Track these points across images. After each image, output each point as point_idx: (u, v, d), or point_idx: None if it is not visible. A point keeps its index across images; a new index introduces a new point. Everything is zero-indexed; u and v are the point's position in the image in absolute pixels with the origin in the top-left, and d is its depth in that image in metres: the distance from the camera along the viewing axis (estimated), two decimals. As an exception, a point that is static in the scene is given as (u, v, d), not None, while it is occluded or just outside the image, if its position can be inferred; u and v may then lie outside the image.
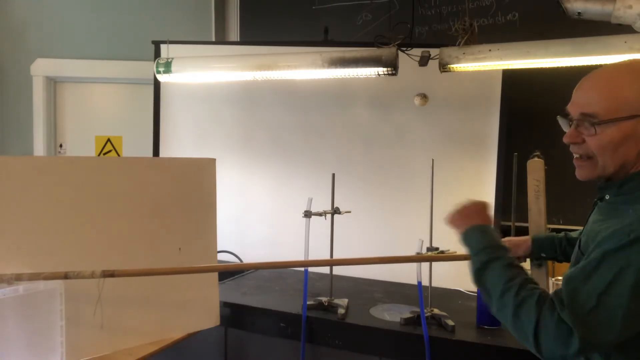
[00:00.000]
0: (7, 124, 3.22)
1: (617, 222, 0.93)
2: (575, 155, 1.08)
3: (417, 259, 1.55)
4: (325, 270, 2.00)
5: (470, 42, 1.94)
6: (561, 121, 1.12)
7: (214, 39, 3.04)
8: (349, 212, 1.92)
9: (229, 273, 2.37)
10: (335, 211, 1.90)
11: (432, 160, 1.76)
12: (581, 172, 1.08)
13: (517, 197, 1.75)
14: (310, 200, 1.82)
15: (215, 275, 1.64)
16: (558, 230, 1.51)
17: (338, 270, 2.07)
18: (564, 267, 1.19)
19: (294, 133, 2.58)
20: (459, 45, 1.95)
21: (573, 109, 1.07)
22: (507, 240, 1.44)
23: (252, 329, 1.89)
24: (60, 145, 3.26)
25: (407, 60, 2.10)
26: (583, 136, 1.04)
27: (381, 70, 2.02)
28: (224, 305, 1.86)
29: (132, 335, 1.42)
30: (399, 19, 2.26)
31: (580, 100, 1.05)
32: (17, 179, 1.21)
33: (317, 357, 1.79)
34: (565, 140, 1.07)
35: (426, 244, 1.67)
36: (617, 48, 1.77)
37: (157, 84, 2.66)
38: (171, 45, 2.41)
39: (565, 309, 0.87)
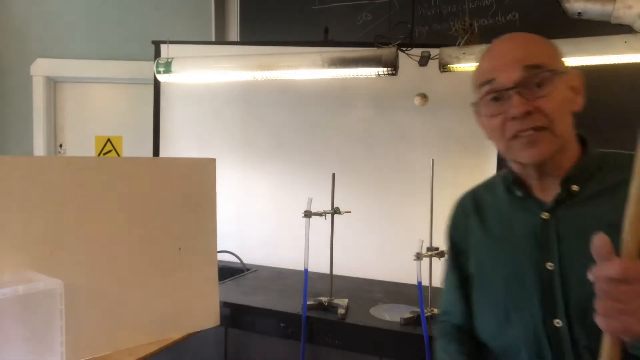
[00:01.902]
0: (7, 124, 3.22)
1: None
2: (522, 131, 0.85)
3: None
4: (325, 270, 2.00)
5: (470, 42, 1.94)
6: (488, 105, 0.90)
7: (214, 39, 3.04)
8: (349, 212, 1.92)
9: (229, 273, 2.37)
10: (335, 211, 1.90)
11: (432, 160, 1.76)
12: (542, 147, 0.85)
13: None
14: (310, 200, 1.82)
15: (215, 275, 1.64)
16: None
17: (338, 270, 2.07)
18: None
19: (294, 133, 2.58)
20: (459, 45, 1.95)
21: (507, 71, 0.86)
22: None
23: (252, 329, 1.89)
24: (60, 145, 3.26)
25: (407, 60, 2.10)
26: (533, 103, 0.84)
27: (381, 70, 2.02)
28: (224, 305, 1.86)
29: (132, 335, 1.42)
30: (399, 19, 2.26)
31: (517, 55, 0.87)
32: (17, 179, 1.21)
33: (317, 357, 1.79)
34: (516, 111, 0.84)
35: (426, 244, 1.67)
36: (617, 48, 1.77)
37: (157, 84, 2.66)
38: (171, 45, 2.41)
39: None
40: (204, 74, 2.29)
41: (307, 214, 1.81)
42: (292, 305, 1.88)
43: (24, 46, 3.16)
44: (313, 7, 2.89)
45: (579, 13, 1.73)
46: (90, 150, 3.22)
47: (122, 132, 3.23)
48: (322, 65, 2.05)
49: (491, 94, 0.89)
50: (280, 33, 2.91)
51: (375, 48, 2.01)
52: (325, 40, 2.41)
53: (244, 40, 3.05)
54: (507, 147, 0.90)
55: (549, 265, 0.88)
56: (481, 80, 0.91)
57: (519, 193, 0.95)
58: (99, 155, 3.20)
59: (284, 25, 2.95)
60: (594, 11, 1.71)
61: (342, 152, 2.49)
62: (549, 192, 0.92)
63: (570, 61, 1.87)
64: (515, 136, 0.86)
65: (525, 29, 2.57)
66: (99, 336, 1.34)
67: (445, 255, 1.13)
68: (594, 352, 0.80)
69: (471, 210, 1.05)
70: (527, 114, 0.84)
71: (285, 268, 2.49)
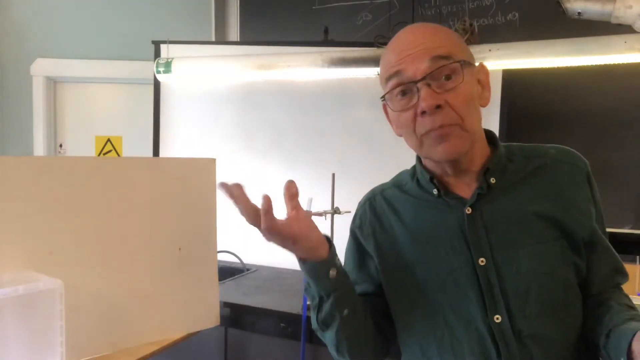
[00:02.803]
0: (7, 124, 3.22)
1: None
2: (434, 128, 0.82)
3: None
4: (325, 270, 2.00)
5: (470, 42, 1.94)
6: (396, 99, 0.86)
7: (214, 39, 3.04)
8: (349, 212, 1.92)
9: (229, 273, 2.37)
10: (335, 211, 1.90)
11: (432, 160, 1.76)
12: (455, 143, 0.83)
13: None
14: (310, 200, 1.82)
15: (215, 275, 1.64)
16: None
17: (338, 270, 2.07)
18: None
19: (294, 133, 2.58)
20: (459, 45, 1.95)
21: (414, 62, 0.82)
22: None
23: (252, 329, 1.89)
24: (60, 145, 3.26)
25: (407, 60, 2.10)
26: (442, 96, 0.81)
27: (381, 70, 2.02)
28: (224, 305, 1.86)
29: (132, 335, 1.41)
30: (399, 19, 2.27)
31: (424, 45, 0.82)
32: (17, 179, 1.21)
33: (317, 357, 1.79)
34: (425, 105, 0.80)
35: (426, 244, 1.67)
36: (617, 48, 1.77)
37: (157, 84, 2.66)
38: (171, 45, 2.41)
39: None
40: (204, 73, 2.29)
41: (307, 214, 1.81)
42: (292, 305, 1.88)
43: (24, 46, 3.16)
44: (313, 7, 2.89)
45: (579, 13, 1.73)
46: (90, 150, 3.22)
47: (122, 132, 3.24)
48: (322, 65, 2.05)
49: (398, 87, 0.85)
50: (280, 33, 2.91)
51: (375, 48, 2.01)
52: (325, 40, 2.42)
53: (244, 40, 3.05)
54: (419, 143, 0.87)
55: (481, 261, 0.86)
56: (388, 73, 0.86)
57: (435, 191, 0.92)
58: (99, 155, 3.20)
59: (284, 25, 2.95)
60: (593, 11, 1.71)
61: (342, 152, 2.49)
62: (465, 187, 0.91)
63: (570, 61, 1.87)
64: (427, 132, 0.84)
65: (526, 29, 2.59)
66: (99, 336, 1.34)
67: (348, 248, 1.09)
68: (537, 338, 0.83)
69: (384, 212, 0.99)
70: (438, 107, 0.81)
71: (285, 268, 2.49)
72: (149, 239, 1.45)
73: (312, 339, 1.78)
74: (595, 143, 2.22)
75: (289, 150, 2.59)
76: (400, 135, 0.93)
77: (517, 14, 2.47)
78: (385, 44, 2.07)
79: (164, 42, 2.45)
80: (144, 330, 1.44)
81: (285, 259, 2.62)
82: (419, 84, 0.82)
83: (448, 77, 0.82)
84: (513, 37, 2.17)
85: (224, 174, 2.21)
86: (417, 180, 0.97)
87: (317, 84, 2.38)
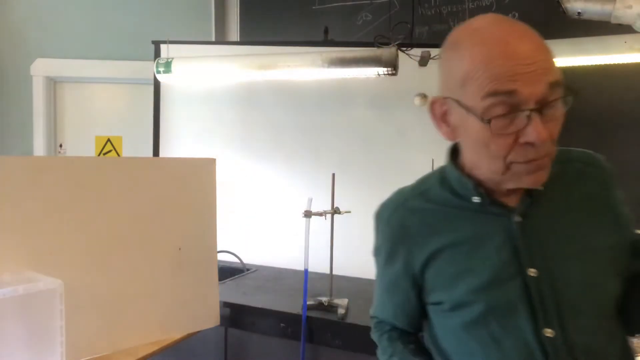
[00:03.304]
0: (7, 124, 3.22)
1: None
2: (535, 159, 0.76)
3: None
4: (325, 270, 2.00)
5: (470, 42, 1.94)
6: (495, 118, 0.74)
7: (214, 39, 3.04)
8: (349, 212, 1.92)
9: (229, 273, 2.37)
10: (335, 211, 1.90)
11: (432, 160, 1.77)
12: (546, 173, 0.79)
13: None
14: (310, 200, 1.82)
15: (215, 275, 1.64)
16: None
17: (338, 270, 2.07)
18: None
19: (294, 133, 2.58)
20: (459, 45, 1.94)
21: (533, 84, 0.72)
22: None
23: (252, 329, 1.89)
24: (60, 145, 3.26)
25: (407, 60, 2.10)
26: (548, 127, 0.74)
27: (381, 70, 2.02)
28: (224, 305, 1.86)
29: (132, 335, 1.42)
30: (399, 19, 2.26)
31: (542, 64, 0.72)
32: (17, 179, 1.21)
33: (317, 357, 1.79)
34: (537, 139, 0.72)
35: (426, 244, 1.67)
36: (617, 48, 1.77)
37: (157, 84, 2.66)
38: (171, 45, 2.41)
39: None
40: (204, 73, 2.29)
41: (307, 214, 1.81)
42: (292, 305, 1.88)
43: (24, 46, 3.16)
44: (313, 7, 2.89)
45: (579, 13, 1.73)
46: (90, 150, 3.22)
47: (122, 132, 3.24)
48: (322, 65, 2.05)
49: (502, 107, 0.73)
50: (280, 33, 2.91)
51: (375, 48, 2.01)
52: (325, 40, 2.41)
53: (244, 40, 3.05)
54: (504, 169, 0.78)
55: (532, 272, 0.81)
56: (495, 87, 0.73)
57: (476, 199, 0.85)
58: (99, 155, 3.20)
59: (284, 25, 2.95)
60: (593, 11, 1.71)
61: (342, 152, 2.49)
62: (509, 197, 0.85)
63: (570, 61, 1.87)
64: (524, 162, 0.76)
65: (525, 29, 2.56)
66: (99, 336, 1.34)
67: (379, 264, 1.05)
68: (590, 352, 0.79)
69: (413, 227, 0.92)
70: (545, 140, 0.73)
71: (285, 268, 2.49)
72: (149, 239, 1.45)
73: (312, 339, 1.78)
74: (595, 143, 2.21)
75: (289, 150, 2.59)
76: (476, 154, 0.83)
77: (517, 14, 2.47)
78: (385, 44, 2.08)
79: (164, 42, 2.45)
80: (144, 330, 1.44)
81: (286, 259, 2.64)
82: (533, 113, 0.72)
83: (554, 104, 0.74)
84: (513, 37, 2.17)
85: (224, 174, 2.22)
86: (450, 188, 0.90)
87: (317, 84, 2.38)
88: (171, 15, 3.09)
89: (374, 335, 1.13)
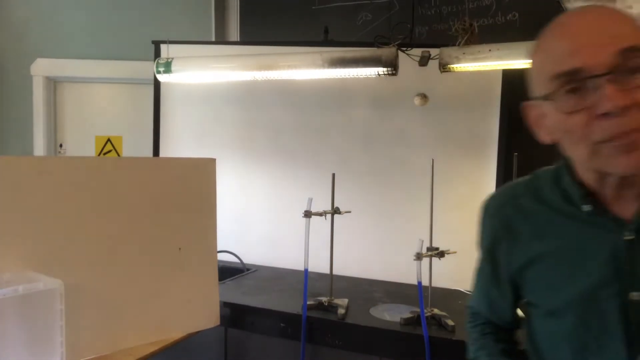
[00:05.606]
0: (7, 124, 3.22)
1: None
2: (619, 134, 0.66)
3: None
4: (325, 270, 2.00)
5: (470, 42, 1.94)
6: (564, 98, 0.69)
7: (214, 39, 3.04)
8: (349, 212, 1.92)
9: (229, 273, 2.37)
10: (335, 211, 1.90)
11: (432, 160, 1.76)
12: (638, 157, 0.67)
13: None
14: (310, 200, 1.82)
15: (216, 275, 1.64)
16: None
17: (338, 270, 2.07)
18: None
19: (294, 133, 2.58)
20: (459, 45, 1.95)
21: (596, 53, 0.66)
22: None
23: (252, 329, 1.89)
24: (60, 145, 3.26)
25: (407, 60, 2.10)
26: (631, 94, 0.65)
27: (381, 70, 2.02)
28: (224, 305, 1.86)
29: (132, 335, 1.41)
30: (399, 19, 2.27)
31: (608, 31, 0.66)
32: (17, 179, 1.21)
33: (317, 357, 1.79)
34: (611, 106, 0.65)
35: (426, 244, 1.67)
36: (617, 48, 1.77)
37: (157, 84, 2.66)
38: (171, 45, 2.41)
39: None
40: (204, 74, 2.29)
41: (307, 214, 1.81)
42: (292, 305, 1.88)
43: (24, 46, 3.16)
44: (313, 7, 2.89)
45: (579, 13, 1.72)
46: (90, 150, 3.22)
47: (122, 132, 3.24)
48: (322, 65, 2.05)
49: (569, 85, 0.68)
50: (280, 33, 2.91)
51: (375, 48, 2.01)
52: (325, 40, 2.41)
53: (244, 40, 3.05)
54: (592, 152, 0.70)
55: (635, 296, 0.74)
56: (556, 70, 0.69)
57: (586, 208, 0.77)
58: (99, 155, 3.20)
59: (284, 25, 2.95)
60: (594, 11, 1.71)
61: (342, 152, 2.49)
62: (625, 207, 0.76)
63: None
64: (607, 139, 0.67)
65: (526, 29, 2.58)
66: (99, 336, 1.34)
67: (480, 260, 1.01)
68: None
69: (518, 226, 0.88)
70: (625, 108, 0.64)
71: (285, 268, 2.49)
72: (149, 239, 1.45)
73: (312, 339, 1.78)
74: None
75: (289, 150, 2.59)
76: (562, 143, 0.77)
77: (517, 14, 2.47)
78: (385, 44, 2.08)
79: (164, 42, 2.45)
80: (144, 330, 1.44)
81: (285, 259, 2.64)
82: (602, 79, 0.65)
83: (634, 72, 0.66)
84: (513, 37, 2.17)
85: (224, 174, 2.22)
86: (562, 191, 0.83)
87: (317, 83, 2.38)
88: (171, 15, 3.09)
89: (467, 325, 1.11)
